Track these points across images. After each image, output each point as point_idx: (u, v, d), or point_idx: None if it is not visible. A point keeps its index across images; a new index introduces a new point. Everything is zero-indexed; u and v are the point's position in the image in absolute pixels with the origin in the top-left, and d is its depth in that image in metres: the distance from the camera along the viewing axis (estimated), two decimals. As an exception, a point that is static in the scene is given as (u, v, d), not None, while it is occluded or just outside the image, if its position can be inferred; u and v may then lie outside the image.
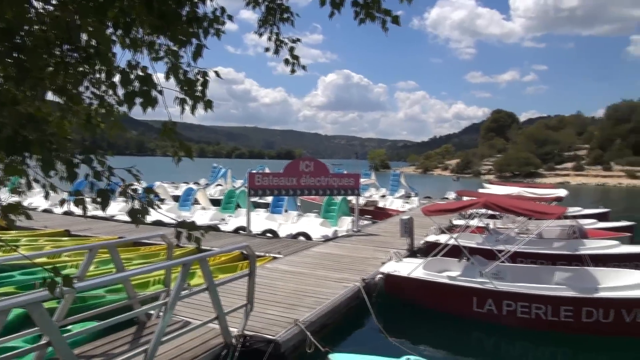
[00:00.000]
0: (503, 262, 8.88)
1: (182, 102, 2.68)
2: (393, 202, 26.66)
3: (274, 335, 6.16)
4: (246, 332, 6.11)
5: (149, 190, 2.68)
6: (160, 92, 2.57)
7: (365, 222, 18.92)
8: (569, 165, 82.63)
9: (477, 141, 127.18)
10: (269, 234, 14.55)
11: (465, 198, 14.84)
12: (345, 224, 16.82)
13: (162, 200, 3.27)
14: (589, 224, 14.99)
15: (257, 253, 11.13)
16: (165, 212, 3.62)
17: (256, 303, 6.55)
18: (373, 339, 7.46)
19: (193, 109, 2.71)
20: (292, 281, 9.03)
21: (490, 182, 26.96)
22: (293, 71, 3.50)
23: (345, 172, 21.21)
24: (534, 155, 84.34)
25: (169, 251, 6.71)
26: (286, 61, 3.49)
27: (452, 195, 27.94)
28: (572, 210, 18.20)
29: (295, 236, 14.62)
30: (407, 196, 29.86)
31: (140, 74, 2.51)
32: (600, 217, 17.62)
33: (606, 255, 10.59)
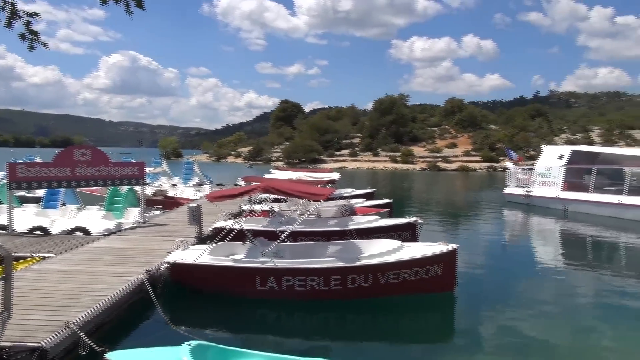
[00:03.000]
0: (284, 241, 9.58)
1: None
2: (184, 191, 26.20)
3: (39, 342, 5.54)
4: (4, 344, 5.37)
5: None
6: None
7: (156, 212, 18.24)
8: (346, 151, 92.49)
9: (268, 129, 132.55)
10: (38, 232, 12.86)
11: (254, 184, 15.47)
12: (132, 215, 15.90)
13: None
14: (358, 202, 17.13)
15: (20, 254, 9.90)
16: None
17: (20, 309, 5.83)
18: (158, 330, 7.30)
19: None
20: (65, 281, 8.20)
21: (278, 168, 28.61)
22: (32, 48, 3.16)
23: (133, 161, 19.98)
24: (317, 143, 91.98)
25: None
26: (22, 36, 3.13)
27: (243, 182, 28.71)
28: (345, 191, 20.63)
29: (70, 232, 13.23)
30: (199, 184, 29.65)
31: None
32: (367, 197, 20.35)
33: (368, 228, 12.33)
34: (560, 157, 24.61)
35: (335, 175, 17.21)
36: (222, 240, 10.00)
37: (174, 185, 29.07)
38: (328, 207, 14.41)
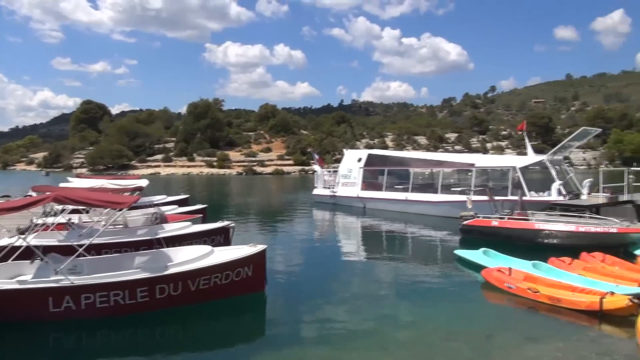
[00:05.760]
0: (83, 256, 8.77)
1: None
2: (-45, 206, 21.94)
3: None
4: None
5: None
6: None
7: None
8: (160, 157, 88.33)
9: (68, 132, 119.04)
10: None
11: (47, 194, 13.77)
12: None
13: None
14: (170, 209, 16.57)
15: None
16: None
17: None
18: None
19: None
20: None
21: (78, 176, 25.98)
22: None
23: None
24: (127, 148, 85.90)
25: None
26: None
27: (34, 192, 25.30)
28: (157, 198, 19.78)
29: None
30: (-25, 197, 25.16)
31: None
32: (181, 203, 19.83)
33: (179, 235, 12.04)
34: (359, 160, 27.40)
35: (144, 182, 16.34)
36: (4, 260, 8.69)
37: (-60, 199, 24.18)
38: (136, 216, 13.66)
